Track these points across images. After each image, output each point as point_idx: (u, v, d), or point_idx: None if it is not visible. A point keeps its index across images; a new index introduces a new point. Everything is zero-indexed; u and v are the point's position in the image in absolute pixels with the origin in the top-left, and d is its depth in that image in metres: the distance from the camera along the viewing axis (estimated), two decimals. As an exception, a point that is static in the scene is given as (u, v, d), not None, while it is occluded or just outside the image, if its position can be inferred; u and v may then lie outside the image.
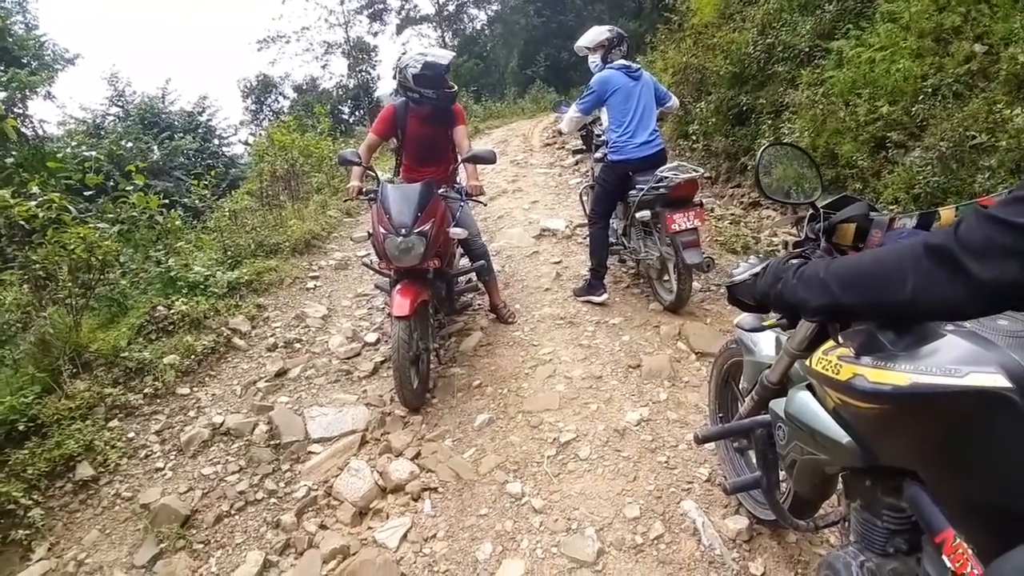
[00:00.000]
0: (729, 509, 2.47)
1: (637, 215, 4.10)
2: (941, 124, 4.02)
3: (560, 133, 4.98)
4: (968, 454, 0.92)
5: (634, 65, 4.21)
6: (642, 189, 4.00)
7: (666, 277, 4.20)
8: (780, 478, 1.81)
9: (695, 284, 4.35)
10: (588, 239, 4.55)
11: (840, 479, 1.41)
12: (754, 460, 2.28)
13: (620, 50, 4.26)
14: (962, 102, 4.05)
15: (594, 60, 4.32)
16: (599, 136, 4.76)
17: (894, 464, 1.12)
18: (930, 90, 4.28)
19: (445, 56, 3.82)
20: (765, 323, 1.58)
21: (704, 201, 4.19)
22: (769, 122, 6.01)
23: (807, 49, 5.90)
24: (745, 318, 1.69)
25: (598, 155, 4.67)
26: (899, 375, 0.98)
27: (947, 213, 1.30)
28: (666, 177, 3.86)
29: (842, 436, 1.18)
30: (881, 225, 1.45)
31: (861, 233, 1.50)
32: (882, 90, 4.63)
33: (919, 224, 1.35)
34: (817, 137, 5.02)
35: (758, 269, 1.38)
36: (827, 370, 1.17)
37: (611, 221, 4.55)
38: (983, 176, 3.60)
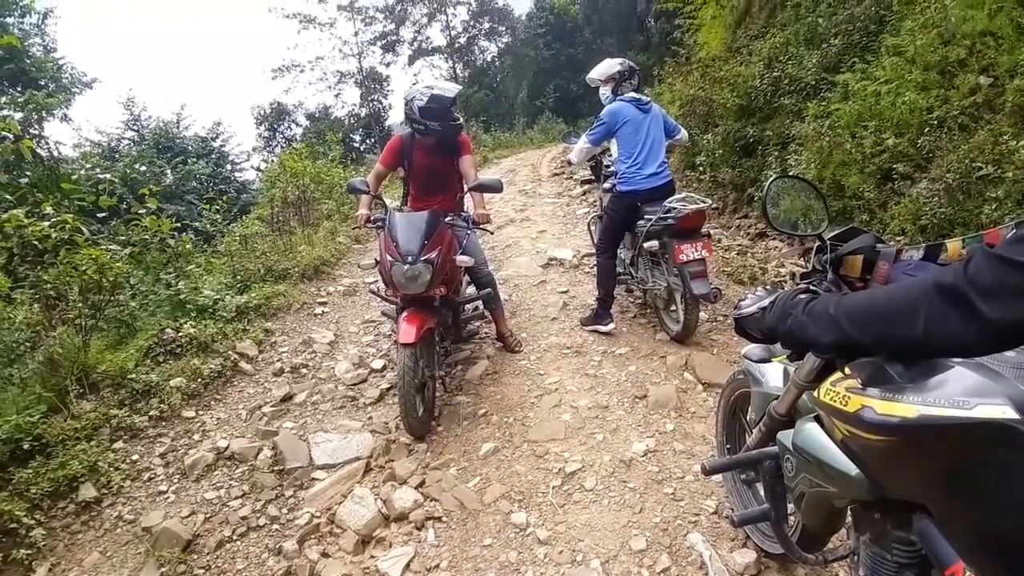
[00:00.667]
0: (736, 542, 2.44)
1: (645, 245, 4.11)
2: (947, 156, 4.04)
3: (569, 163, 5.03)
4: (977, 486, 0.92)
5: (644, 98, 4.26)
6: (650, 219, 4.02)
7: (673, 307, 4.20)
8: (788, 511, 1.79)
9: (702, 315, 4.36)
10: (595, 269, 4.57)
11: (849, 512, 1.39)
12: (762, 492, 2.26)
13: (631, 83, 4.29)
14: (968, 134, 4.07)
15: (605, 92, 4.37)
16: (608, 167, 4.80)
17: (903, 497, 1.11)
18: (936, 122, 4.31)
19: (451, 89, 3.88)
20: (775, 357, 1.58)
21: (711, 232, 4.20)
22: (775, 154, 6.05)
23: (813, 82, 5.97)
24: (753, 349, 1.69)
25: (606, 185, 4.71)
26: (907, 407, 0.97)
27: (954, 245, 1.30)
28: (674, 208, 3.88)
29: (851, 468, 1.17)
30: (888, 257, 1.45)
31: (868, 265, 1.50)
32: (888, 122, 4.67)
33: (926, 256, 1.36)
34: (823, 169, 5.05)
35: (766, 303, 1.39)
36: (835, 401, 1.16)
37: (619, 251, 4.56)
38: (990, 207, 3.61)
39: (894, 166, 4.47)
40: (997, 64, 4.15)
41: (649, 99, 4.31)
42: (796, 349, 1.37)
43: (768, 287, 1.53)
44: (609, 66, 4.36)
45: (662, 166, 4.19)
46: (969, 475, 0.93)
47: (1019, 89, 3.81)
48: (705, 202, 3.94)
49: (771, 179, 1.92)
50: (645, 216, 4.10)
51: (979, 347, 0.88)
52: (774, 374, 1.88)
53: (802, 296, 1.30)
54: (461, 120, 4.03)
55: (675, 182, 4.35)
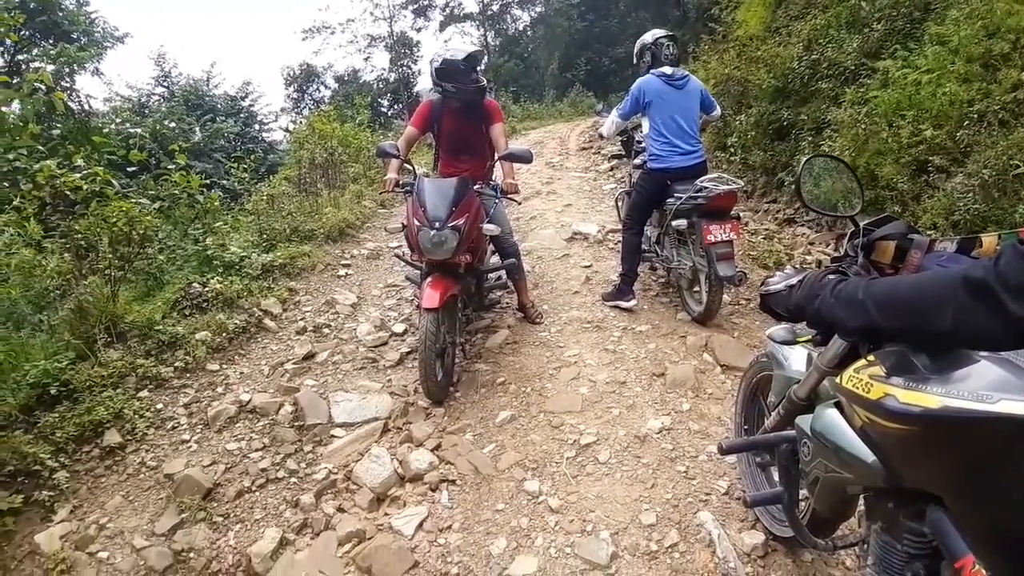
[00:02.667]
0: (746, 523, 2.46)
1: (673, 223, 4.07)
2: (985, 151, 3.95)
3: (601, 137, 4.98)
4: (995, 481, 0.92)
5: (678, 72, 4.17)
6: (680, 198, 3.98)
7: (696, 288, 4.18)
8: (800, 495, 1.80)
9: (725, 297, 4.28)
10: (620, 244, 4.56)
11: (862, 500, 1.40)
12: (775, 476, 2.27)
13: (667, 55, 4.21)
14: (1007, 130, 3.97)
15: (641, 65, 4.35)
16: (639, 143, 4.75)
17: (919, 487, 1.10)
18: (976, 116, 4.20)
19: (461, 51, 3.84)
20: (799, 339, 1.57)
21: (740, 214, 4.15)
22: (809, 139, 5.94)
23: (853, 67, 5.82)
24: (777, 330, 1.67)
25: (637, 161, 4.68)
26: (930, 397, 0.97)
27: (989, 240, 1.29)
28: (705, 187, 3.83)
29: (868, 456, 1.18)
30: (921, 246, 1.44)
31: (900, 253, 1.49)
32: (927, 113, 4.56)
33: (959, 249, 1.34)
34: (858, 157, 4.95)
35: (794, 281, 1.38)
36: (857, 388, 1.16)
37: (645, 228, 4.54)
38: (1025, 207, 3.54)
39: (930, 158, 4.38)
40: (1041, 61, 4.04)
41: (685, 74, 4.22)
42: (822, 330, 1.37)
43: (797, 266, 1.52)
44: (645, 38, 4.33)
45: (695, 144, 4.13)
46: (988, 470, 0.93)
47: (1062, 87, 3.70)
48: (737, 183, 3.89)
49: (807, 157, 1.89)
50: (675, 194, 4.05)
51: (1005, 343, 0.90)
52: (797, 358, 1.89)
53: (831, 277, 1.29)
54: (483, 82, 4.00)
55: (707, 162, 4.29)
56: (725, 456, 2.71)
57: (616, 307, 4.40)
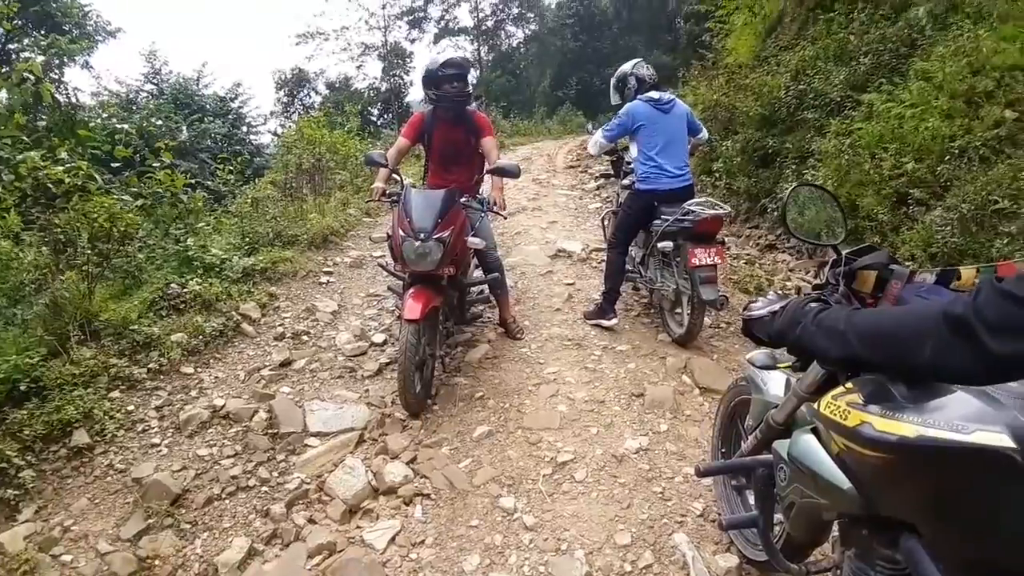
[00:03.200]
0: (720, 546, 2.45)
1: (659, 245, 4.09)
2: (965, 186, 4.02)
3: (591, 156, 4.97)
4: (968, 511, 0.93)
5: (665, 96, 4.22)
6: (667, 220, 4.00)
7: (678, 310, 4.19)
8: (775, 519, 1.80)
9: (705, 320, 4.32)
10: (604, 263, 4.57)
11: (836, 525, 1.39)
12: (751, 499, 2.27)
13: (651, 77, 4.30)
14: (987, 166, 4.06)
15: (625, 94, 4.39)
16: (628, 163, 4.75)
17: (893, 514, 1.11)
18: (957, 151, 4.29)
19: (435, 61, 3.94)
20: (779, 364, 1.58)
21: (725, 239, 4.17)
22: (793, 167, 6.02)
23: (838, 99, 5.94)
24: (757, 354, 1.69)
25: (625, 182, 4.71)
26: (906, 426, 0.98)
27: (967, 273, 1.31)
28: (692, 211, 3.85)
29: (843, 482, 1.18)
30: (901, 277, 1.47)
31: (880, 282, 1.52)
32: (909, 146, 4.64)
33: (938, 280, 1.37)
34: (840, 186, 5.03)
35: (777, 307, 1.39)
36: (835, 415, 1.17)
37: (630, 249, 4.56)
38: (1002, 242, 3.60)
39: (911, 191, 4.46)
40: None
41: (672, 98, 4.27)
42: (802, 357, 1.39)
43: (780, 292, 1.54)
44: (629, 65, 4.43)
45: (683, 167, 4.17)
46: (962, 499, 0.94)
47: (1044, 126, 3.80)
48: (724, 208, 3.93)
49: (794, 185, 1.93)
50: (662, 216, 4.08)
51: (982, 378, 0.92)
52: (776, 383, 1.90)
53: (813, 305, 1.30)
54: (463, 90, 3.98)
55: (694, 185, 4.33)
56: (702, 479, 2.70)
57: (597, 325, 4.40)
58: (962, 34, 5.02)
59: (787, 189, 1.86)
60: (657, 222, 4.13)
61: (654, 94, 4.20)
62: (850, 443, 1.12)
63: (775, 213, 6.16)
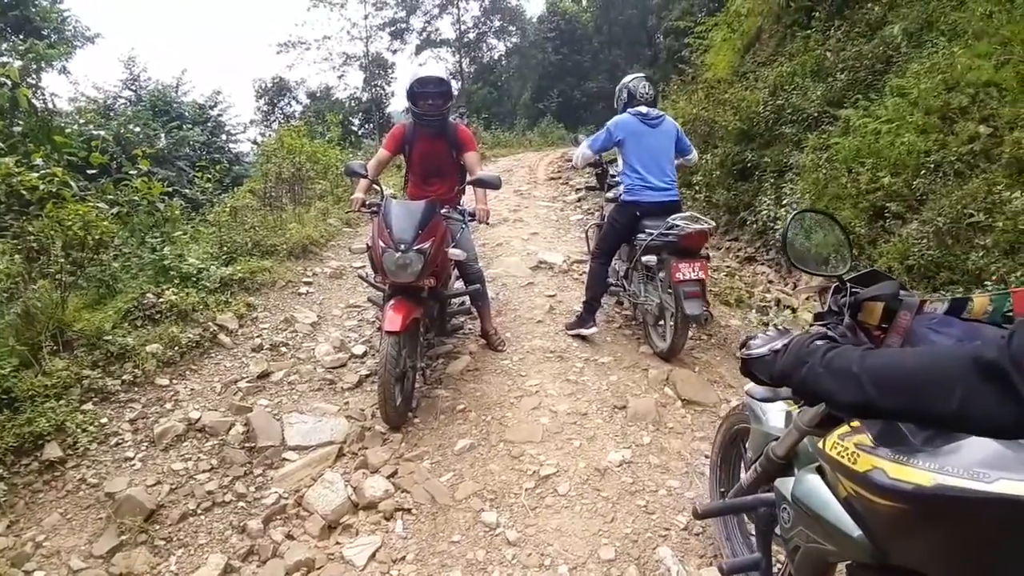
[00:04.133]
0: (704, 560, 2.44)
1: (643, 259, 4.08)
2: (940, 200, 4.09)
3: (575, 167, 4.95)
4: (991, 565, 0.87)
5: (653, 112, 4.23)
6: (651, 234, 3.99)
7: (661, 324, 4.19)
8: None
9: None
10: (587, 273, 4.57)
11: (845, 570, 1.29)
12: (749, 526, 2.24)
13: (643, 94, 4.27)
14: (962, 180, 4.13)
15: (617, 104, 4.42)
16: (613, 176, 4.80)
17: (908, 565, 1.03)
18: (932, 166, 4.36)
19: (415, 75, 3.96)
20: (780, 398, 1.48)
21: (709, 254, 4.17)
22: (772, 180, 6.10)
23: (816, 114, 6.03)
24: (756, 388, 1.54)
25: (610, 195, 4.71)
26: (922, 473, 0.91)
27: (980, 301, 1.25)
28: (677, 225, 3.84)
29: (853, 529, 1.10)
30: (910, 308, 1.37)
31: (888, 314, 1.41)
32: (885, 161, 4.72)
33: (950, 310, 1.29)
34: (817, 200, 5.10)
35: (779, 345, 1.29)
36: (842, 457, 1.09)
37: (613, 262, 4.56)
38: (977, 254, 3.66)
39: (887, 204, 4.53)
40: (998, 115, 4.21)
41: (661, 114, 4.29)
42: (808, 400, 1.28)
43: (780, 327, 1.46)
44: (624, 80, 4.45)
45: (670, 182, 4.18)
46: (984, 552, 0.88)
47: (1017, 141, 3.87)
48: (710, 224, 3.92)
49: (795, 212, 1.80)
50: (646, 230, 4.06)
51: (1015, 432, 0.82)
52: (776, 414, 1.82)
53: (819, 343, 1.19)
54: (447, 106, 4.02)
55: (680, 200, 4.34)
56: (700, 520, 2.58)
57: (578, 336, 4.39)
58: (937, 51, 5.13)
59: (788, 215, 1.72)
60: (641, 236, 4.10)
61: (643, 108, 4.21)
62: (860, 489, 1.05)
63: (754, 226, 6.22)
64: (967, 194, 3.94)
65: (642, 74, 4.50)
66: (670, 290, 3.87)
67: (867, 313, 1.45)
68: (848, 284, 1.51)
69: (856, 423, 1.11)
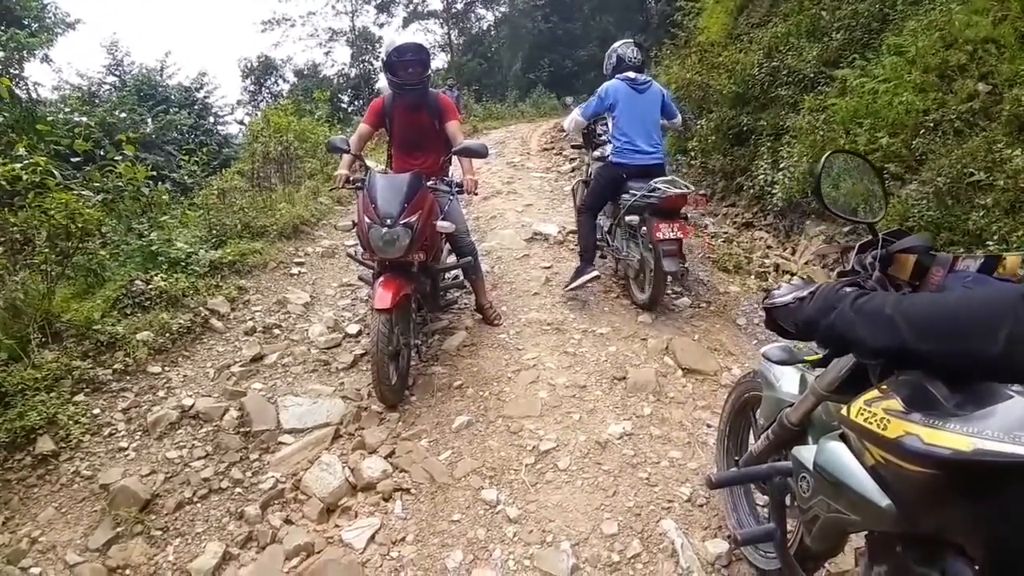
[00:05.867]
0: (709, 531, 2.41)
1: (626, 218, 4.32)
2: (940, 159, 4.01)
3: (562, 130, 5.03)
4: None
5: (641, 77, 4.40)
6: (634, 195, 4.19)
7: (643, 278, 4.38)
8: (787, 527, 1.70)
9: (685, 299, 4.47)
10: (576, 227, 4.89)
11: (865, 540, 1.27)
12: (756, 498, 2.20)
13: (631, 59, 4.48)
14: (962, 139, 4.04)
15: (607, 70, 4.62)
16: (600, 136, 5.04)
17: (939, 534, 1.01)
18: (931, 125, 4.27)
19: (391, 44, 3.86)
20: (799, 360, 1.47)
21: (694, 216, 4.43)
22: (768, 144, 5.99)
23: (812, 75, 5.91)
24: (772, 349, 1.54)
25: (597, 154, 4.95)
26: (960, 438, 0.87)
27: (1012, 260, 1.21)
28: (659, 188, 4.05)
29: (881, 498, 1.06)
30: (943, 263, 1.33)
31: (919, 269, 1.37)
32: (883, 121, 4.62)
33: (982, 268, 1.25)
34: (815, 162, 5.01)
35: (804, 293, 1.27)
36: (870, 424, 1.05)
37: (599, 218, 4.77)
38: (978, 214, 3.59)
39: (886, 165, 4.44)
40: (997, 72, 4.12)
41: (648, 79, 4.46)
42: (835, 349, 1.26)
43: (804, 278, 1.42)
44: (613, 46, 4.67)
45: (655, 146, 4.36)
46: (1022, 520, 0.84)
47: (1017, 98, 3.78)
48: (690, 188, 4.14)
49: (829, 152, 1.71)
50: (630, 191, 4.26)
51: None
52: (789, 379, 1.78)
53: (849, 290, 1.17)
54: (427, 75, 3.93)
55: (666, 164, 4.49)
56: (713, 490, 2.51)
57: (580, 286, 4.47)
58: (934, 8, 5.01)
59: (822, 157, 1.63)
60: (626, 196, 4.31)
61: (631, 74, 4.39)
62: (890, 456, 1.01)
63: (751, 191, 6.13)
64: (967, 153, 3.85)
65: (631, 39, 4.75)
66: (651, 247, 4.09)
67: (898, 267, 1.40)
68: (881, 235, 1.46)
69: (884, 386, 1.06)
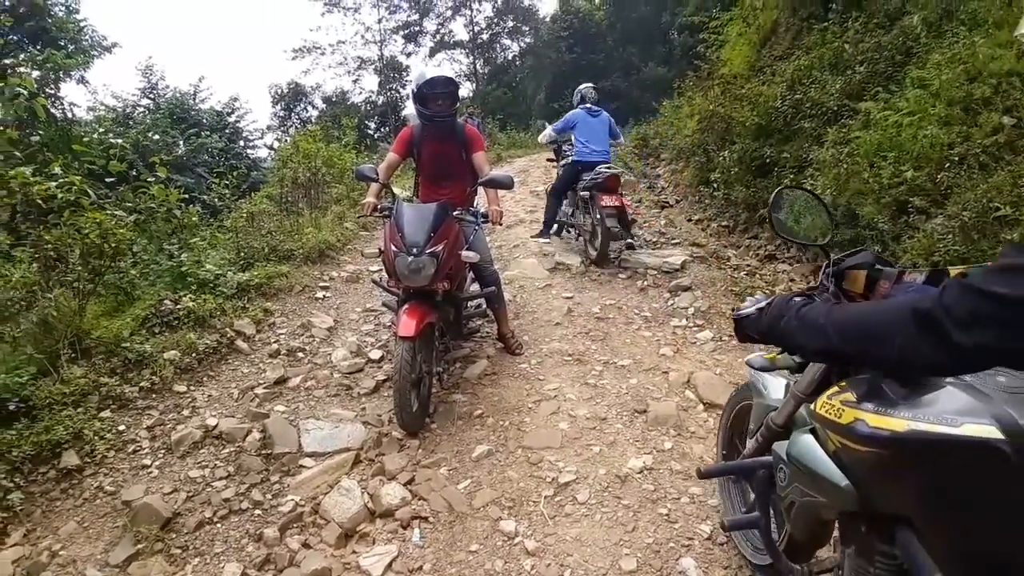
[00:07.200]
0: (729, 571, 2.37)
1: (580, 194, 6.15)
2: (965, 193, 3.97)
3: (539, 143, 8.21)
4: (959, 503, 0.97)
5: (595, 108, 6.54)
6: (584, 180, 5.99)
7: (595, 239, 5.93)
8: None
9: (707, 333, 4.47)
10: (545, 207, 7.13)
11: (837, 524, 1.42)
12: (751, 496, 2.24)
13: (590, 97, 6.72)
14: (987, 173, 4.00)
15: (574, 103, 6.82)
16: (565, 152, 7.07)
17: (889, 509, 1.14)
18: (956, 158, 4.23)
19: (422, 76, 3.90)
20: (776, 359, 1.65)
21: (623, 193, 6.02)
22: (791, 176, 5.96)
23: (835, 108, 5.89)
24: (754, 357, 1.72)
25: (563, 162, 7.04)
26: (898, 421, 1.03)
27: (957, 274, 1.32)
28: (601, 172, 5.84)
29: (841, 479, 1.20)
30: (890, 277, 1.50)
31: (870, 282, 1.55)
32: (908, 155, 4.59)
33: (928, 280, 1.39)
34: (839, 196, 4.98)
35: (763, 304, 1.45)
36: (830, 414, 1.21)
37: (564, 205, 6.83)
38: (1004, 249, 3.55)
39: (911, 199, 4.40)
40: (1022, 105, 4.09)
41: (599, 109, 6.59)
42: (786, 350, 1.52)
43: (767, 292, 1.57)
44: (578, 88, 6.91)
45: (604, 152, 6.35)
46: (953, 491, 0.98)
47: (1042, 133, 3.75)
48: (619, 170, 6.13)
49: (778, 188, 1.98)
50: (583, 179, 6.06)
51: (949, 369, 0.98)
52: (776, 387, 1.95)
53: (797, 300, 1.35)
54: (455, 107, 4.01)
55: (611, 162, 6.35)
56: (703, 480, 2.75)
57: (536, 239, 6.86)
58: (957, 41, 4.99)
59: (772, 193, 1.93)
60: (581, 182, 6.10)
61: (588, 104, 6.57)
62: (845, 440, 1.17)
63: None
64: (993, 187, 3.81)
65: (591, 84, 7.04)
66: (598, 214, 5.69)
67: (851, 281, 1.61)
68: (831, 254, 1.68)
69: (843, 383, 1.24)
